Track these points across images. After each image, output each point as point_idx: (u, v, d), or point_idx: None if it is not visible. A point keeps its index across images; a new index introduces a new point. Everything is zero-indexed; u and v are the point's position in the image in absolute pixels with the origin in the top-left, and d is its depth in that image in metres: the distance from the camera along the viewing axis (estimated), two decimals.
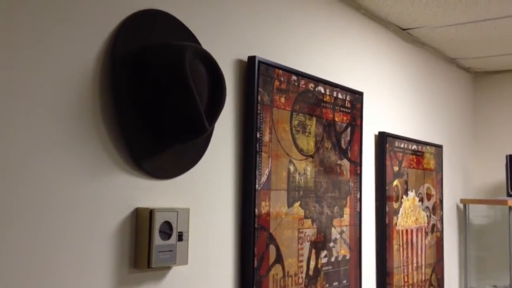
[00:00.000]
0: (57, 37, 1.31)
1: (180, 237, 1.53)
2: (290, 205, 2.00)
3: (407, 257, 2.78)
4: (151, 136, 1.50)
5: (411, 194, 2.87)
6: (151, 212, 1.46)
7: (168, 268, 1.55)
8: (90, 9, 1.39)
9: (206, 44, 1.70)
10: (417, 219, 2.91)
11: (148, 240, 1.46)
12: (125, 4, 1.48)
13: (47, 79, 1.29)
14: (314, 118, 2.15)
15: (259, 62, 1.87)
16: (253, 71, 1.85)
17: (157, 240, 1.47)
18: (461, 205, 3.48)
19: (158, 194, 1.54)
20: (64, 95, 1.33)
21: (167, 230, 1.50)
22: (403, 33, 2.89)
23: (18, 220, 1.22)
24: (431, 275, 3.01)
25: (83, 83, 1.37)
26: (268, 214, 1.88)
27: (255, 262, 1.82)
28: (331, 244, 2.22)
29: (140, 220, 1.47)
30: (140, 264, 1.46)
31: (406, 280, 2.76)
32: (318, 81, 2.17)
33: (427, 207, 3.02)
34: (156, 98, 1.46)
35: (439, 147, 3.17)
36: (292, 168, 2.02)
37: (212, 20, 1.75)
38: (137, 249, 1.47)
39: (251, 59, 1.86)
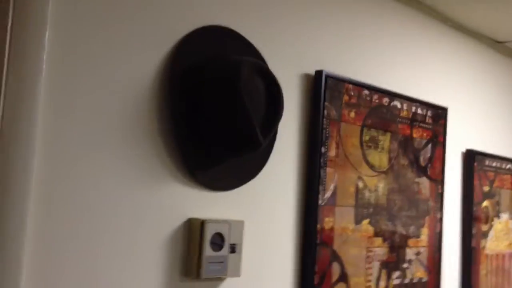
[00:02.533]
0: (119, 52, 1.39)
1: (232, 249, 1.55)
2: (358, 222, 1.95)
3: (497, 284, 2.60)
4: (206, 148, 1.53)
5: (504, 216, 2.68)
6: (202, 223, 1.49)
7: (220, 279, 1.57)
8: (152, 26, 1.46)
9: (271, 58, 1.72)
10: (510, 244, 2.71)
11: (198, 251, 1.49)
12: (186, 21, 1.53)
13: (107, 91, 1.37)
14: (389, 134, 2.08)
15: (327, 76, 1.85)
16: (320, 86, 1.83)
17: (208, 251, 1.49)
18: None
19: (212, 206, 1.57)
20: (124, 107, 1.39)
21: (218, 241, 1.52)
22: (498, 45, 2.73)
23: (73, 228, 1.30)
24: None
25: (142, 96, 1.43)
26: (332, 230, 1.85)
27: (316, 279, 1.79)
28: (405, 265, 2.13)
29: (192, 231, 1.50)
30: (191, 274, 1.49)
31: None
32: (393, 95, 2.10)
33: None
34: (211, 111, 1.50)
35: None
36: (361, 184, 1.97)
37: (277, 34, 1.76)
38: (188, 259, 1.50)
39: (318, 73, 1.84)
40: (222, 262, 1.52)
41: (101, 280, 1.34)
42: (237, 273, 1.56)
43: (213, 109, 1.49)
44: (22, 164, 1.18)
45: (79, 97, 1.32)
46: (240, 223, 1.58)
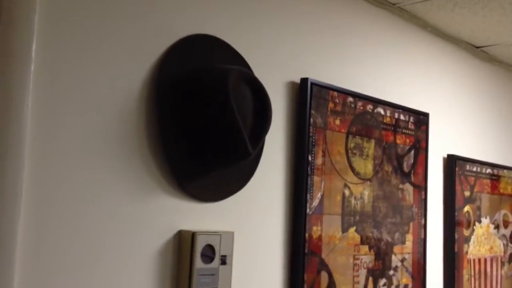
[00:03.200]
0: (104, 61, 1.35)
1: (223, 260, 1.52)
2: (344, 230, 1.94)
3: (479, 287, 2.62)
4: (195, 159, 1.50)
5: (485, 221, 2.71)
6: (193, 235, 1.46)
7: None
8: (139, 34, 1.43)
9: (257, 67, 1.70)
10: (491, 248, 2.74)
11: (189, 263, 1.46)
12: (174, 30, 1.50)
13: (95, 102, 1.33)
14: (373, 141, 2.08)
15: (312, 83, 1.84)
16: (306, 93, 1.82)
17: (199, 263, 1.46)
18: None
19: (202, 217, 1.54)
20: (110, 117, 1.36)
21: (209, 253, 1.49)
22: (477, 51, 2.76)
23: (62, 240, 1.26)
24: None
25: (129, 106, 1.40)
26: (319, 239, 1.84)
27: None
28: (391, 272, 2.13)
29: (183, 243, 1.47)
30: (181, 286, 1.46)
31: None
32: (377, 102, 2.11)
33: (503, 235, 2.84)
34: (200, 121, 1.47)
35: None
36: (347, 192, 1.96)
37: (263, 42, 1.74)
38: (179, 272, 1.47)
39: (304, 81, 1.83)
40: (213, 275, 1.49)
41: None
42: (228, 285, 1.53)
43: (201, 119, 1.47)
44: (11, 181, 1.14)
45: (66, 109, 1.28)
46: (230, 234, 1.55)
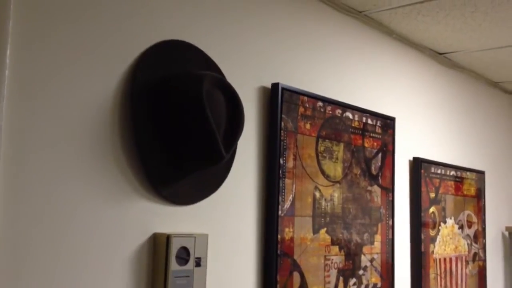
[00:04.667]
0: (78, 67, 1.37)
1: (197, 262, 1.55)
2: (315, 231, 1.99)
3: (445, 286, 2.70)
4: (169, 163, 1.53)
5: (450, 221, 2.79)
6: (168, 238, 1.49)
7: None
8: (112, 39, 1.45)
9: (229, 72, 1.74)
10: (456, 247, 2.83)
11: (164, 265, 1.48)
12: (147, 35, 1.53)
13: (67, 107, 1.35)
14: (342, 144, 2.14)
15: (283, 89, 1.89)
16: (276, 98, 1.87)
17: (174, 265, 1.49)
18: (507, 233, 3.36)
19: (177, 220, 1.57)
20: (84, 123, 1.38)
21: (184, 255, 1.52)
22: (440, 57, 2.85)
23: (38, 245, 1.27)
24: None
25: (103, 111, 1.42)
26: (291, 240, 1.88)
27: None
28: (361, 272, 2.19)
29: (157, 245, 1.50)
30: None
31: None
32: (345, 107, 2.17)
33: (467, 235, 2.93)
34: (174, 126, 1.50)
35: (481, 173, 3.09)
36: (318, 194, 2.01)
37: (234, 48, 1.78)
38: (154, 274, 1.49)
39: (275, 86, 1.88)
40: (188, 276, 1.52)
41: None
42: (202, 287, 1.56)
43: (176, 123, 1.50)
44: None
45: (40, 113, 1.29)
46: (204, 237, 1.58)
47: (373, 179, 2.29)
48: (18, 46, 1.25)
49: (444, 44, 2.68)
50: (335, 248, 2.08)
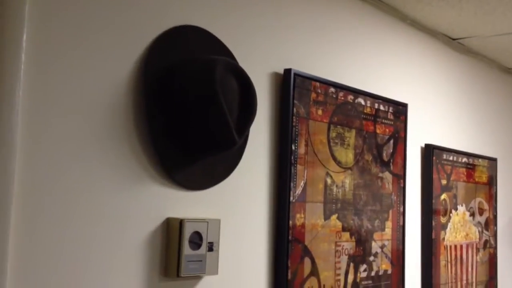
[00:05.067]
0: (92, 52, 1.37)
1: (210, 247, 1.56)
2: (326, 217, 1.99)
3: (455, 273, 2.70)
4: (182, 148, 1.53)
5: (461, 208, 2.79)
6: (181, 222, 1.50)
7: (198, 277, 1.57)
8: (125, 26, 1.45)
9: (242, 57, 1.73)
10: (467, 235, 2.82)
11: (177, 250, 1.49)
12: (159, 21, 1.53)
13: (83, 94, 1.35)
14: (354, 130, 2.14)
15: (295, 74, 1.88)
16: (289, 84, 1.86)
17: (187, 249, 1.50)
18: None
19: (189, 205, 1.57)
20: (98, 108, 1.38)
21: (197, 240, 1.53)
22: (453, 43, 2.83)
23: (51, 228, 1.28)
24: None
25: (117, 98, 1.42)
26: (303, 226, 1.89)
27: (289, 274, 1.82)
28: (371, 258, 2.19)
29: (171, 230, 1.51)
30: (170, 273, 1.49)
31: None
32: (358, 93, 2.16)
33: (479, 222, 2.93)
34: (187, 111, 1.50)
35: (493, 160, 3.07)
36: (329, 180, 2.01)
37: (247, 33, 1.78)
38: (167, 258, 1.50)
39: (287, 71, 1.87)
40: (200, 261, 1.53)
41: (81, 281, 1.33)
42: (214, 271, 1.57)
43: (189, 108, 1.50)
44: (2, 170, 1.16)
45: (55, 101, 1.30)
46: (217, 222, 1.59)
47: (385, 165, 2.29)
48: (33, 38, 1.25)
49: (458, 29, 2.65)
50: (346, 234, 2.08)
